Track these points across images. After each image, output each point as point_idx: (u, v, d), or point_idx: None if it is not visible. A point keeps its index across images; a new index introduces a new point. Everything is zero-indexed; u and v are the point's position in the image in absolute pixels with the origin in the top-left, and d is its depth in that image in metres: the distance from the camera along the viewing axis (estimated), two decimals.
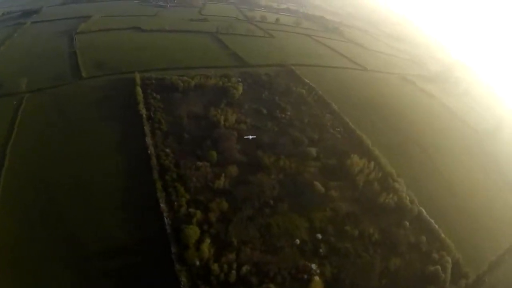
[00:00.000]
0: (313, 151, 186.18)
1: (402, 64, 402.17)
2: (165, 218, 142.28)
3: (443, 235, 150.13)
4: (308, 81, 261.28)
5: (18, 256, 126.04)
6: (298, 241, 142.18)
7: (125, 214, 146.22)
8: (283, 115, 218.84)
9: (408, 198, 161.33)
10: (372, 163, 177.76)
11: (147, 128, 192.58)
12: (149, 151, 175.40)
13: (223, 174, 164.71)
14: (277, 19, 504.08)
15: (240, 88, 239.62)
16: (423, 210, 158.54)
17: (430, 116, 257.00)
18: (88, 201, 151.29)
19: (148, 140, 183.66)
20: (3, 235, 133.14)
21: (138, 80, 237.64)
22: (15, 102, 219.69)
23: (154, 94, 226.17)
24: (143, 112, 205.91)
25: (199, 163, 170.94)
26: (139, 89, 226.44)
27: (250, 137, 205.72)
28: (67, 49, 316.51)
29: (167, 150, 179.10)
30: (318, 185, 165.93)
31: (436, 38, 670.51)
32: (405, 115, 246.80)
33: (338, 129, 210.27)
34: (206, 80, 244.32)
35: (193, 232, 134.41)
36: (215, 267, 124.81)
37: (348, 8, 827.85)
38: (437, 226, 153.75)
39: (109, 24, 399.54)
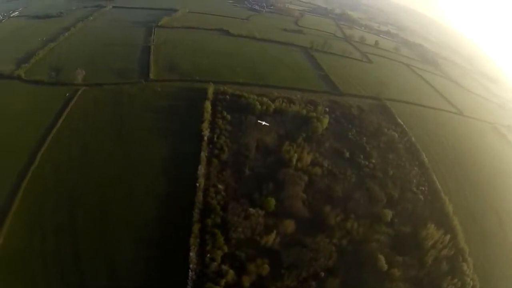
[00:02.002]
0: (388, 214, 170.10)
1: (494, 110, 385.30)
2: (189, 271, 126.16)
3: None
4: (402, 122, 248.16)
5: (19, 269, 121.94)
6: None
7: (145, 256, 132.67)
8: (367, 163, 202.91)
9: (471, 284, 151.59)
10: (448, 237, 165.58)
11: (203, 154, 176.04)
12: (197, 184, 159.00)
13: (275, 230, 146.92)
14: (376, 42, 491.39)
15: (325, 121, 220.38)
16: None
17: None
18: (107, 229, 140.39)
19: (201, 169, 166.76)
20: (12, 242, 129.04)
21: (210, 93, 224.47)
22: (67, 94, 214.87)
23: (225, 113, 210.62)
24: (206, 133, 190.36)
25: (252, 210, 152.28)
26: (208, 105, 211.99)
27: (263, 123, 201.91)
28: (142, 42, 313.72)
29: (220, 186, 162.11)
30: (382, 260, 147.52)
31: None
32: (492, 177, 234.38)
33: (423, 188, 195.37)
34: (288, 105, 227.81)
35: None
36: None
37: (442, 36, 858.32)
38: None
39: (194, 22, 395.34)
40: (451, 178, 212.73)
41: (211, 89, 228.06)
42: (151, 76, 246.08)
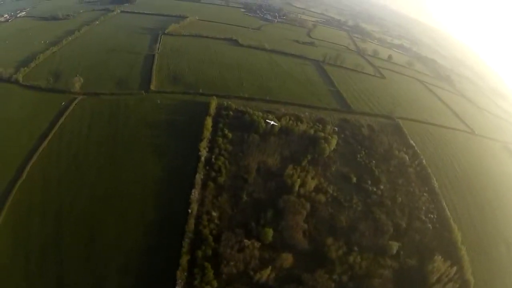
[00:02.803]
0: (394, 246, 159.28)
1: (505, 128, 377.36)
2: None
3: None
4: (414, 144, 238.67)
5: None
6: None
7: (129, 287, 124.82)
8: (375, 189, 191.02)
9: None
10: (455, 269, 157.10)
11: (199, 177, 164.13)
12: (189, 209, 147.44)
13: (271, 264, 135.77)
14: (390, 56, 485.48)
15: (334, 141, 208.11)
16: None
17: None
18: (93, 252, 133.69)
19: (195, 194, 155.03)
20: None
21: (212, 108, 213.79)
22: (63, 103, 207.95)
23: (226, 131, 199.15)
24: (204, 153, 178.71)
25: (247, 242, 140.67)
26: (209, 121, 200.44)
27: (272, 122, 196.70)
28: (146, 50, 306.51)
29: (214, 213, 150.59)
30: None
31: None
32: (502, 202, 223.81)
33: (432, 216, 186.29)
34: (295, 124, 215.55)
35: None
36: None
37: (454, 51, 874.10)
38: None
39: (203, 30, 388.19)
40: (461, 204, 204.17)
41: (214, 104, 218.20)
42: (152, 87, 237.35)
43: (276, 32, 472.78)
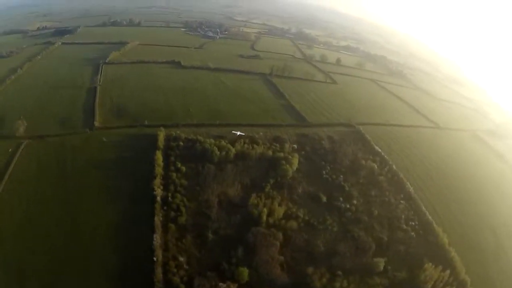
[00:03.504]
0: (380, 262, 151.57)
1: (469, 115, 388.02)
2: None
3: None
4: (380, 150, 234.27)
5: None
6: None
7: None
8: (348, 205, 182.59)
9: None
10: (448, 272, 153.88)
11: (157, 219, 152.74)
12: (154, 258, 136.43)
13: None
14: (338, 59, 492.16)
15: (295, 161, 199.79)
16: None
17: (505, 190, 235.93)
18: None
19: (157, 239, 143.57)
20: None
21: (161, 141, 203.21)
22: (10, 150, 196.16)
23: (179, 165, 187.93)
24: (159, 192, 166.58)
25: (222, 285, 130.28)
26: (159, 156, 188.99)
27: (238, 133, 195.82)
28: (88, 82, 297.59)
29: (181, 258, 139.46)
30: None
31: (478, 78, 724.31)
32: (480, 190, 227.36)
33: (413, 223, 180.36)
34: (251, 147, 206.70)
35: None
36: None
37: (399, 43, 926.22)
38: None
39: (145, 55, 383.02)
40: (440, 203, 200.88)
41: (162, 136, 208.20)
42: (97, 123, 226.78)
43: (219, 48, 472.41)
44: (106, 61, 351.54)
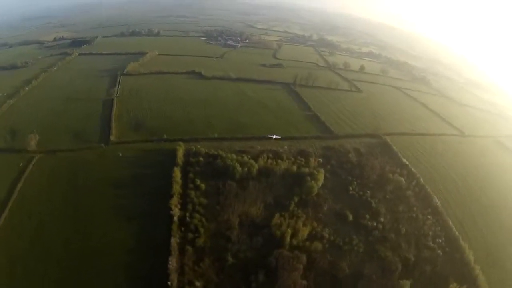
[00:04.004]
0: (406, 285, 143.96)
1: (492, 121, 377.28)
2: None
3: None
4: (407, 162, 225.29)
5: None
6: None
7: None
8: (375, 223, 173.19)
9: None
10: None
11: (174, 241, 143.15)
12: (169, 282, 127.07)
13: None
14: (362, 67, 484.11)
15: (321, 176, 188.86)
16: None
17: None
18: None
19: (173, 262, 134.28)
20: None
21: (180, 157, 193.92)
22: (21, 164, 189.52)
23: (198, 182, 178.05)
24: (176, 211, 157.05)
25: None
26: (177, 173, 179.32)
27: (274, 136, 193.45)
28: (104, 94, 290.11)
29: (197, 282, 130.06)
30: None
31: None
32: (506, 202, 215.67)
33: (440, 240, 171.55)
34: (275, 162, 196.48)
35: None
36: None
37: (422, 48, 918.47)
38: None
39: (164, 66, 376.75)
40: (466, 218, 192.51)
41: (181, 151, 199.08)
42: (112, 137, 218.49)
43: (241, 57, 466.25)
44: (124, 72, 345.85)
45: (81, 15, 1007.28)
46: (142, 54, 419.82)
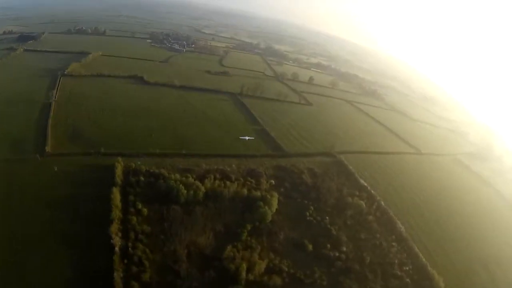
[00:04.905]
0: None
1: (448, 137, 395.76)
2: None
3: None
4: (365, 183, 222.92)
5: None
6: None
7: None
8: (337, 253, 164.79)
9: None
10: None
11: (117, 276, 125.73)
12: None
13: None
14: (311, 78, 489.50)
15: (275, 201, 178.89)
16: None
17: (493, 217, 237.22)
18: None
19: None
20: None
21: (119, 174, 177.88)
22: None
23: (140, 206, 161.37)
24: (117, 241, 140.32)
25: None
26: (117, 195, 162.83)
27: (247, 138, 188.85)
28: (43, 97, 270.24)
29: None
30: None
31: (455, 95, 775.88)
32: (469, 221, 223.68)
33: (407, 268, 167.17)
34: (223, 184, 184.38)
35: None
36: None
37: (370, 59, 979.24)
38: None
39: (106, 68, 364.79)
40: (432, 242, 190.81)
41: (120, 168, 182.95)
42: (48, 148, 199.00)
43: (186, 63, 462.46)
44: (65, 72, 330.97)
45: (40, 8, 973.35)
46: (86, 54, 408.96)
